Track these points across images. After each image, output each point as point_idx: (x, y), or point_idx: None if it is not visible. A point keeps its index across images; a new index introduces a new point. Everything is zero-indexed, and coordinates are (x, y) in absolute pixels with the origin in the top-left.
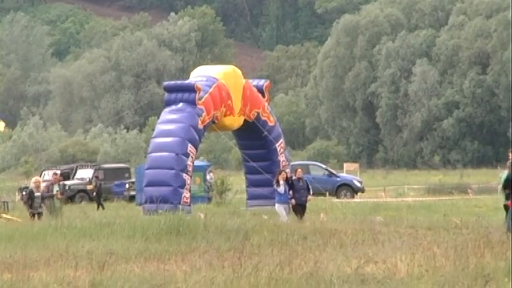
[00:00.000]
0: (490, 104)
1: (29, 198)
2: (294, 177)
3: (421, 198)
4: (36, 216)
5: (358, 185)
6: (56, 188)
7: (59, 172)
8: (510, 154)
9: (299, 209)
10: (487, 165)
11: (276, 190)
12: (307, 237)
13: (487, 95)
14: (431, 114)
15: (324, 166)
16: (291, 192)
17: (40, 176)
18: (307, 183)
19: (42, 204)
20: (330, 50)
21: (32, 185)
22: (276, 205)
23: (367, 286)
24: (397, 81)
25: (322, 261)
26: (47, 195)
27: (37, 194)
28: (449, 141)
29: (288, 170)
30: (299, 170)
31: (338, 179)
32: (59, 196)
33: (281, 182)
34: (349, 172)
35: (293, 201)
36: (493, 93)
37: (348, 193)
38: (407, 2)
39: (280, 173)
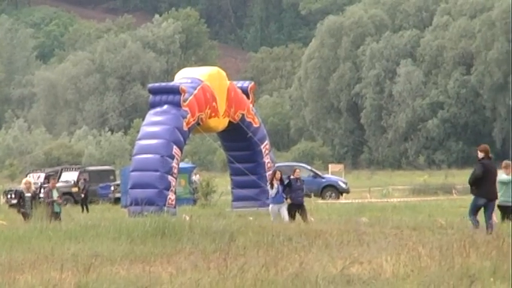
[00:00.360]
0: (474, 104)
1: (20, 199)
2: (292, 177)
3: (406, 199)
4: (25, 217)
5: (343, 186)
6: (55, 194)
7: (43, 175)
8: (479, 152)
9: (295, 209)
10: (471, 166)
11: (269, 191)
12: (293, 238)
13: (472, 95)
14: (415, 115)
15: (308, 167)
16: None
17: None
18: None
19: (33, 207)
20: (314, 51)
21: (22, 186)
22: (270, 206)
23: (352, 287)
24: (381, 82)
25: (308, 262)
26: (48, 201)
27: (27, 194)
28: (434, 141)
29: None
30: (297, 170)
31: (323, 180)
32: (59, 201)
33: (275, 183)
34: (334, 173)
35: (288, 200)
36: (478, 94)
37: (333, 194)
38: (391, 2)
39: (274, 174)
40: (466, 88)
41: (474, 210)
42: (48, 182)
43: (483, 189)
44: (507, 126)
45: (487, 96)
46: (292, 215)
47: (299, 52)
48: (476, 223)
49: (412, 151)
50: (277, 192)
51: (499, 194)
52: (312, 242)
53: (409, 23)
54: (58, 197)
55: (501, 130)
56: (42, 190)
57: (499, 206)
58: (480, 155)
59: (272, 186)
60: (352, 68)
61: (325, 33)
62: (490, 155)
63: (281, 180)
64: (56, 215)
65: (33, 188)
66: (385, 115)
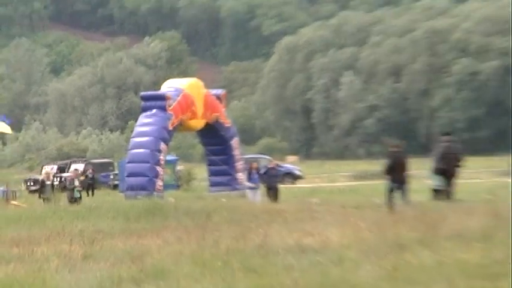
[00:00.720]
0: (403, 106)
1: (42, 187)
2: (269, 166)
3: (349, 183)
4: (44, 200)
5: (298, 173)
6: (76, 182)
7: (56, 166)
8: (391, 147)
9: (271, 193)
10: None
11: (249, 179)
12: (258, 215)
13: (401, 99)
14: (356, 115)
15: (270, 158)
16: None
17: (41, 170)
18: (278, 172)
19: (52, 193)
20: (274, 65)
21: (43, 176)
22: (247, 191)
23: (306, 255)
24: (328, 89)
25: (270, 235)
26: (70, 187)
27: (47, 182)
28: (371, 136)
29: (242, 162)
30: (273, 162)
31: (282, 168)
32: (80, 188)
33: (253, 173)
34: (290, 163)
35: (264, 185)
36: (405, 98)
37: (290, 180)
38: (336, 25)
39: (251, 165)
40: (396, 94)
41: (389, 193)
42: (61, 172)
43: (394, 176)
44: (429, 124)
45: (413, 100)
46: (270, 197)
47: (262, 66)
48: (389, 203)
49: (354, 145)
50: (254, 180)
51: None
52: (273, 218)
53: (350, 41)
54: (79, 184)
55: (424, 127)
56: (55, 179)
57: (433, 190)
58: (392, 148)
59: (250, 175)
60: (305, 78)
61: (283, 50)
62: (400, 149)
63: (257, 170)
64: (76, 200)
65: (51, 177)
66: (332, 116)
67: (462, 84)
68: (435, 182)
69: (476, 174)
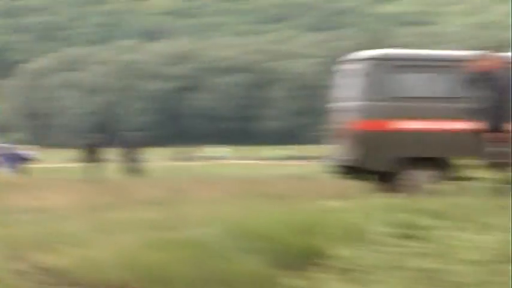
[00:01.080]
0: (107, 113)
1: None
2: (17, 152)
3: (69, 164)
4: None
5: (36, 157)
6: None
7: None
8: (89, 139)
9: (19, 170)
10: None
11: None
12: (6, 186)
13: (104, 108)
14: (77, 118)
15: (12, 146)
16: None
17: None
18: (20, 156)
19: None
20: (18, 83)
21: None
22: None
23: (35, 213)
24: (58, 100)
25: (12, 199)
26: None
27: None
28: (86, 132)
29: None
30: (20, 148)
31: (26, 154)
32: None
33: (6, 156)
34: (31, 150)
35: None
36: (107, 107)
37: (31, 162)
38: (61, 56)
39: (4, 151)
40: (102, 104)
41: (89, 170)
42: None
43: (91, 159)
44: (126, 125)
45: (112, 108)
46: (19, 173)
47: (13, 83)
48: (91, 177)
49: (74, 138)
50: (7, 161)
51: None
52: (17, 188)
53: (71, 67)
54: None
55: (121, 127)
56: None
57: (124, 169)
58: (90, 140)
59: (4, 158)
60: (41, 92)
61: (25, 73)
62: (95, 140)
63: (9, 155)
64: None
65: None
66: (59, 118)
67: (149, 98)
68: (124, 164)
69: (160, 159)
